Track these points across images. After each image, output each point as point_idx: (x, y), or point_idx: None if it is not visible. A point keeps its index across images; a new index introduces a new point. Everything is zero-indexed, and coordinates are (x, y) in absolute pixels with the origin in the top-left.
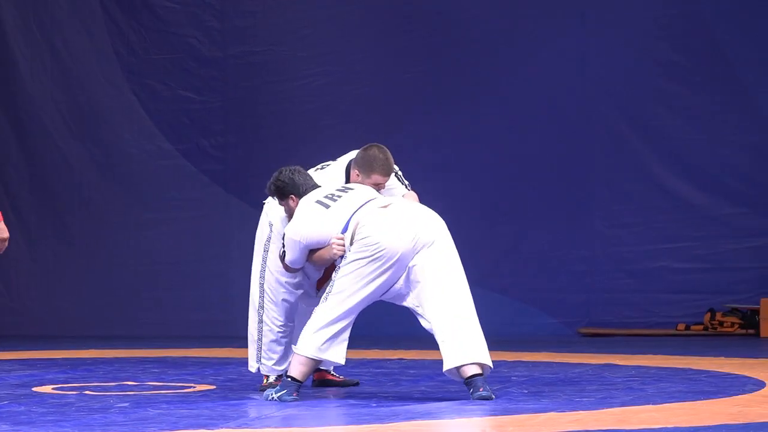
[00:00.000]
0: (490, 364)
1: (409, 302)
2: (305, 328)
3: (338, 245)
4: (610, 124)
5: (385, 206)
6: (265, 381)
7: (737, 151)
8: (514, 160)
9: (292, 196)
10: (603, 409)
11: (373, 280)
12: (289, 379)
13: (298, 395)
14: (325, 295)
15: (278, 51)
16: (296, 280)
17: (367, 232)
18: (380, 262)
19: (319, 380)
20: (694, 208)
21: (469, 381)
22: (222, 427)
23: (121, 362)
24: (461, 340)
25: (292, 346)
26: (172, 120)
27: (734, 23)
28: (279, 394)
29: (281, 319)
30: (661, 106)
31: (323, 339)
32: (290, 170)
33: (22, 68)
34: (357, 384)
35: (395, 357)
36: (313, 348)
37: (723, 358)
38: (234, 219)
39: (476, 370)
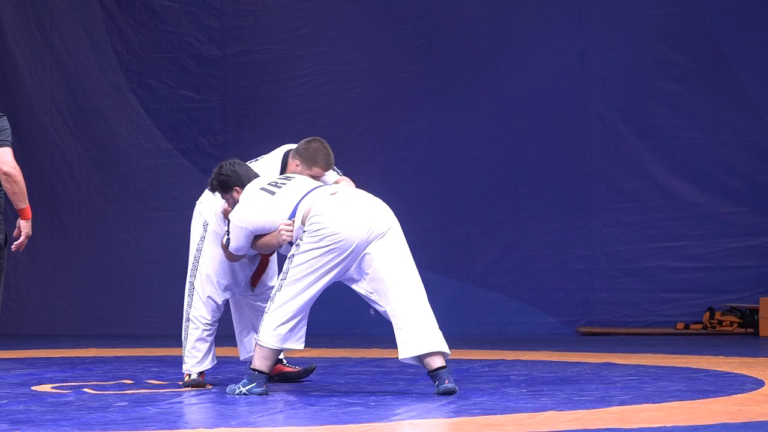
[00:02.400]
0: (449, 351)
1: (361, 287)
2: (264, 320)
3: (287, 231)
4: (608, 123)
5: (333, 194)
6: (186, 378)
7: (736, 150)
8: (512, 158)
9: (236, 187)
10: (602, 408)
11: (330, 270)
12: (256, 372)
13: (266, 387)
14: (279, 282)
15: (277, 50)
16: (227, 282)
17: (324, 222)
18: (336, 253)
19: (278, 375)
20: (693, 207)
21: (435, 374)
22: (221, 426)
23: (120, 361)
24: (421, 329)
25: (254, 337)
26: (171, 119)
27: (733, 22)
28: (248, 387)
29: (207, 317)
30: (659, 105)
31: (284, 331)
32: (230, 163)
33: (21, 67)
34: (314, 368)
35: (394, 356)
36: (275, 340)
37: (722, 357)
38: None
39: (441, 362)
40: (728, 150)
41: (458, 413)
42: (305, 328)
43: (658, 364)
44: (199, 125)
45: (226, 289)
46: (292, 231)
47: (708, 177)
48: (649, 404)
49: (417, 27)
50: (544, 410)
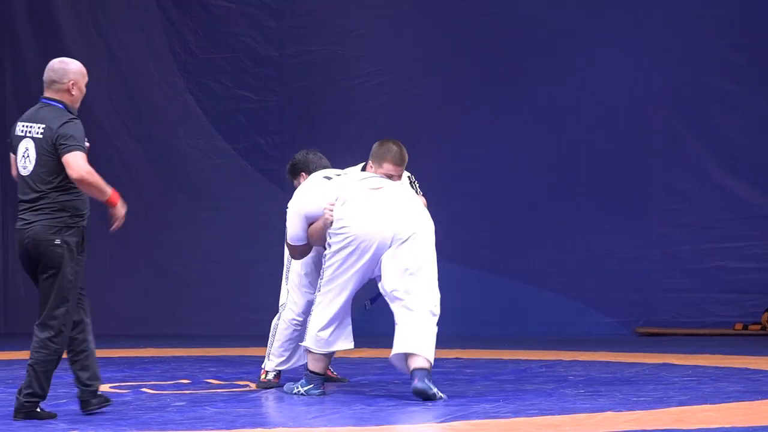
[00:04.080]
0: (431, 359)
1: (381, 287)
2: (310, 324)
3: (329, 210)
4: (666, 124)
5: (377, 188)
6: (263, 377)
7: None
8: (570, 159)
9: (303, 173)
10: (660, 408)
11: (357, 269)
12: (312, 374)
13: (324, 388)
14: (318, 283)
15: (334, 51)
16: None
17: (346, 223)
18: (358, 254)
19: None
20: (751, 207)
21: (412, 372)
22: (278, 426)
23: (178, 361)
24: (411, 332)
25: (301, 344)
26: (228, 119)
27: None
28: (306, 388)
29: (299, 318)
30: (717, 106)
31: (326, 335)
32: (305, 151)
33: None
34: (346, 381)
35: (452, 356)
36: (319, 344)
37: None
38: None
39: (422, 363)
40: None
41: (516, 414)
42: (350, 326)
43: (717, 365)
44: (257, 125)
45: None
46: (332, 211)
47: (766, 177)
48: (708, 405)
49: (473, 28)
50: (602, 411)
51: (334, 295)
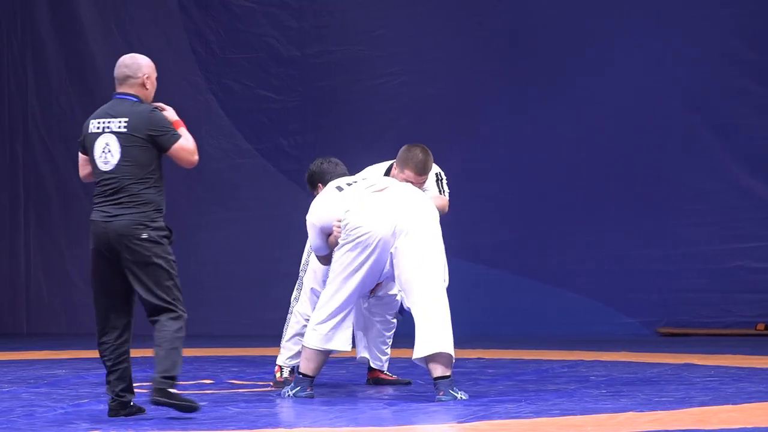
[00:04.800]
0: (452, 353)
1: (396, 288)
2: (311, 319)
3: (337, 228)
4: (685, 123)
5: (380, 190)
6: (278, 375)
7: None
8: (590, 159)
9: (319, 184)
10: (682, 408)
11: (360, 266)
12: (301, 376)
13: (312, 390)
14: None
15: (355, 51)
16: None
17: (350, 218)
18: (360, 248)
19: (373, 379)
20: None
21: (435, 383)
22: (300, 426)
23: (200, 361)
24: (430, 332)
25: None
26: (250, 119)
27: None
28: (294, 391)
29: (310, 314)
30: (736, 104)
31: (325, 330)
32: (321, 159)
33: (99, 66)
34: (409, 383)
35: (474, 356)
36: (318, 340)
37: None
38: None
39: (442, 371)
40: None
41: (538, 414)
42: (350, 329)
43: (738, 365)
44: (279, 125)
45: None
46: (340, 228)
47: None
48: (730, 405)
49: (495, 28)
50: (624, 411)
51: (335, 290)
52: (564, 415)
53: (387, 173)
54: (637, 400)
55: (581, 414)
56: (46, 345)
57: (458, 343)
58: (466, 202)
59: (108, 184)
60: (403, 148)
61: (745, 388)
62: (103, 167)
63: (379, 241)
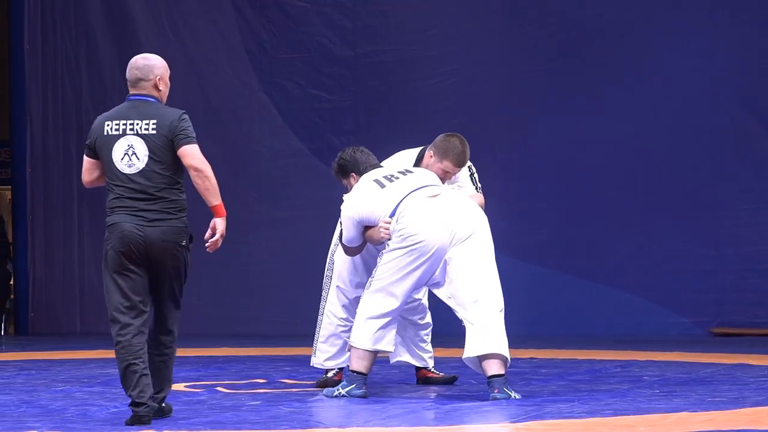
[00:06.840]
0: (508, 356)
1: (442, 292)
2: (357, 320)
3: (385, 229)
4: (737, 121)
5: (434, 195)
6: (325, 375)
7: None
8: (641, 158)
9: (353, 174)
10: (735, 409)
11: (412, 271)
12: (354, 374)
13: (366, 389)
14: (369, 280)
15: (408, 50)
16: (359, 279)
17: (407, 224)
18: (416, 254)
19: (422, 379)
20: None
21: (489, 381)
22: (352, 426)
23: (253, 360)
24: (483, 333)
25: (348, 339)
26: (303, 119)
27: None
28: (347, 389)
29: (340, 313)
30: None
31: (374, 330)
32: (353, 149)
33: None
34: (456, 378)
35: (526, 356)
36: (368, 340)
37: None
38: None
39: (497, 370)
40: None
41: (591, 414)
42: (394, 330)
43: None
44: (331, 125)
45: (357, 286)
46: (389, 229)
47: None
48: None
49: (547, 25)
50: (677, 411)
51: (385, 293)
52: (616, 415)
53: (417, 161)
54: (690, 400)
55: (634, 414)
56: (99, 344)
57: (511, 343)
58: (517, 200)
59: (135, 188)
60: (441, 137)
61: None
62: (126, 170)
63: (436, 250)
